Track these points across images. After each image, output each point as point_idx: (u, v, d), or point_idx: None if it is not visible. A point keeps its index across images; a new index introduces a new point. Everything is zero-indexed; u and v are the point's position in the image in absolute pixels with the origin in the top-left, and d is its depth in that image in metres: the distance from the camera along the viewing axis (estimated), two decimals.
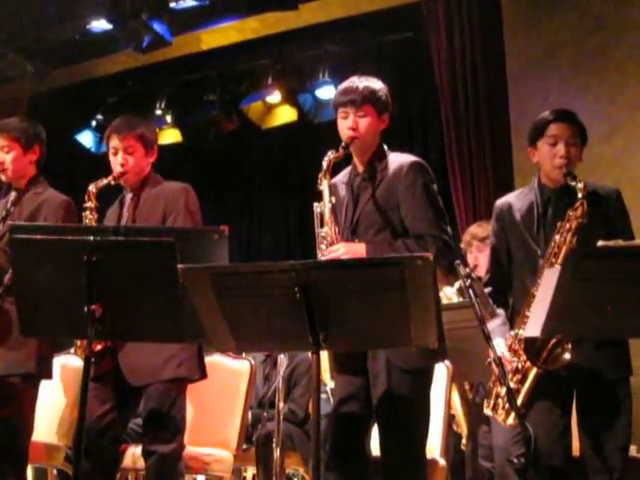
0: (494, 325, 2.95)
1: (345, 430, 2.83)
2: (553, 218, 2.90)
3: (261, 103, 7.04)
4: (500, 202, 3.10)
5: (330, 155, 2.86)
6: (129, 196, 3.31)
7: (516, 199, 3.05)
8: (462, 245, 4.25)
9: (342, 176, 3.04)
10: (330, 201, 2.85)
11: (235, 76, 7.19)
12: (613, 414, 2.79)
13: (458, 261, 2.74)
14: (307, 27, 6.51)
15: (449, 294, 4.13)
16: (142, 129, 3.29)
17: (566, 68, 5.58)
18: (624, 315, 2.29)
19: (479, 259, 4.12)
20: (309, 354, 2.39)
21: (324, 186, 2.86)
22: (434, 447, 3.44)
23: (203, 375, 3.20)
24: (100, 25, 6.14)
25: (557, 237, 2.82)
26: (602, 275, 2.19)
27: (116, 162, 3.26)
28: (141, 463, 3.21)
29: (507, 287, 3.04)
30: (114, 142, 3.27)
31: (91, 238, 2.43)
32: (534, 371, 2.78)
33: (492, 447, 3.83)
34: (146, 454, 3.10)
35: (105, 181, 3.22)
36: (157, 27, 6.06)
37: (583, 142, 2.97)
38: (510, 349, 2.84)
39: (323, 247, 2.83)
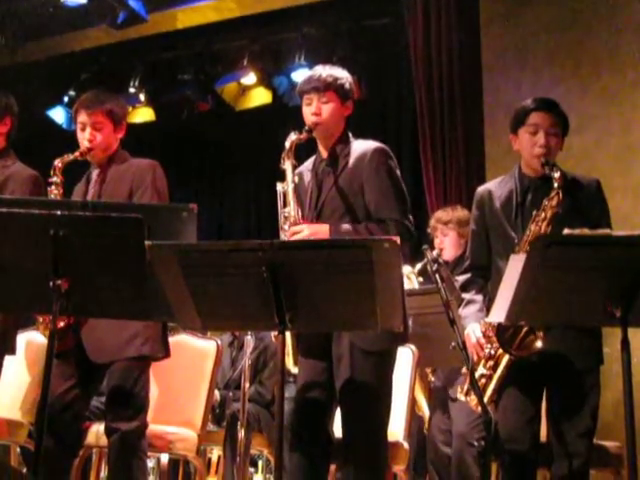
0: (471, 310, 2.97)
1: (308, 415, 2.86)
2: (531, 206, 2.91)
3: (236, 84, 7.01)
4: (481, 189, 3.11)
5: (293, 136, 2.90)
6: (96, 172, 3.26)
7: (497, 187, 3.05)
8: (429, 230, 4.30)
9: (308, 164, 3.06)
10: (293, 181, 2.88)
11: (211, 56, 7.14)
12: (579, 402, 2.81)
13: (426, 246, 2.77)
14: (285, 9, 6.48)
15: (407, 272, 4.16)
16: (111, 104, 3.24)
17: (540, 60, 5.62)
18: (587, 303, 2.33)
19: (444, 242, 4.18)
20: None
21: (287, 166, 2.90)
22: (398, 430, 3.47)
23: (167, 354, 3.18)
24: None
25: (532, 226, 2.84)
26: (566, 263, 2.21)
27: (83, 137, 3.21)
28: (104, 441, 3.19)
29: (487, 273, 3.04)
30: (82, 117, 3.22)
31: (58, 212, 2.39)
32: (506, 358, 2.80)
33: (451, 432, 3.88)
34: (109, 431, 3.08)
35: (72, 156, 3.18)
36: (132, 3, 6.00)
37: (564, 132, 2.97)
38: (484, 335, 2.86)
39: (286, 227, 2.85)
